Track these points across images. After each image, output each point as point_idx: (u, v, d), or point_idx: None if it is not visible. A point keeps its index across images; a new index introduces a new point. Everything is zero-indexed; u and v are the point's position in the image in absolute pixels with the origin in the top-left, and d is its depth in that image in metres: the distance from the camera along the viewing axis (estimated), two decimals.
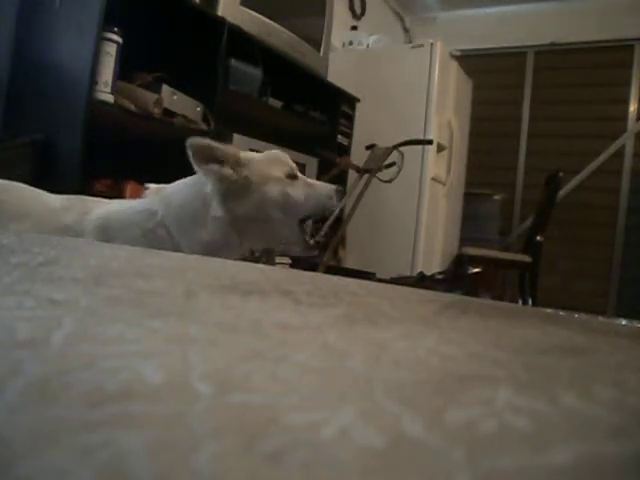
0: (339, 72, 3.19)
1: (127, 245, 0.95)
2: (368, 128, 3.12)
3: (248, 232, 1.09)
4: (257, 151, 2.28)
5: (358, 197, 2.23)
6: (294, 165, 1.14)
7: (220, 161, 1.03)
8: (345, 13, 3.77)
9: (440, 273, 3.13)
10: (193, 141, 1.00)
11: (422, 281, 2.80)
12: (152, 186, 1.10)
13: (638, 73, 3.93)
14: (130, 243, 0.97)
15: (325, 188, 1.16)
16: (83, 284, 0.39)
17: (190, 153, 1.01)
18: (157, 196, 1.07)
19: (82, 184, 1.61)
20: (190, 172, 1.06)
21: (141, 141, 2.07)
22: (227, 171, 1.03)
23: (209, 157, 1.02)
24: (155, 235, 1.02)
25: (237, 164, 1.05)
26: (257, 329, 0.30)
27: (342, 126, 3.00)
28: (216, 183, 1.03)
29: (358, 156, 2.67)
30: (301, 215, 1.13)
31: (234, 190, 1.05)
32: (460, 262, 3.08)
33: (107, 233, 1.00)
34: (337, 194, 1.16)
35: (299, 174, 1.15)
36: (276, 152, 1.15)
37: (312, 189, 1.14)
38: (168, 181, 1.12)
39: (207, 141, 1.03)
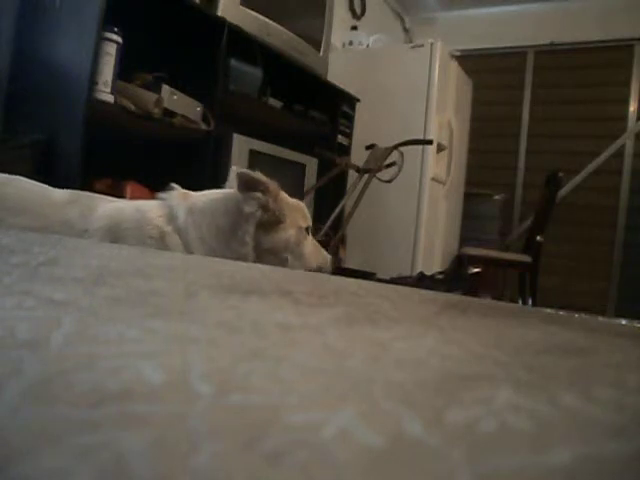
0: (339, 72, 3.19)
1: (137, 244, 0.95)
2: (368, 128, 3.12)
3: (263, 260, 1.13)
4: (258, 153, 2.29)
5: (358, 197, 2.23)
6: (311, 223, 1.22)
7: (262, 192, 1.07)
8: (345, 13, 3.76)
9: (440, 273, 3.13)
10: (242, 171, 1.05)
11: (422, 281, 2.81)
12: (178, 189, 1.10)
13: (638, 73, 3.93)
14: (141, 242, 0.97)
15: (325, 255, 1.26)
16: (83, 284, 0.39)
17: (237, 180, 1.05)
18: (182, 201, 1.06)
19: (82, 184, 1.61)
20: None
21: (141, 141, 2.07)
22: (270, 202, 1.07)
23: (253, 187, 1.06)
24: (170, 239, 1.02)
25: (275, 200, 1.09)
26: (257, 329, 0.30)
27: (342, 126, 3.00)
28: (257, 210, 1.06)
29: (358, 156, 2.67)
30: (300, 266, 1.18)
31: (266, 222, 1.09)
32: (460, 262, 3.08)
33: (117, 231, 0.99)
34: (331, 263, 1.27)
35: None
36: (303, 204, 1.21)
37: (317, 250, 1.23)
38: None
39: (254, 173, 1.07)
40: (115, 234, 0.98)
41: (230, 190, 1.12)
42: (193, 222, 1.04)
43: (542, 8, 4.14)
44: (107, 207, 1.03)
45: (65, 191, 1.04)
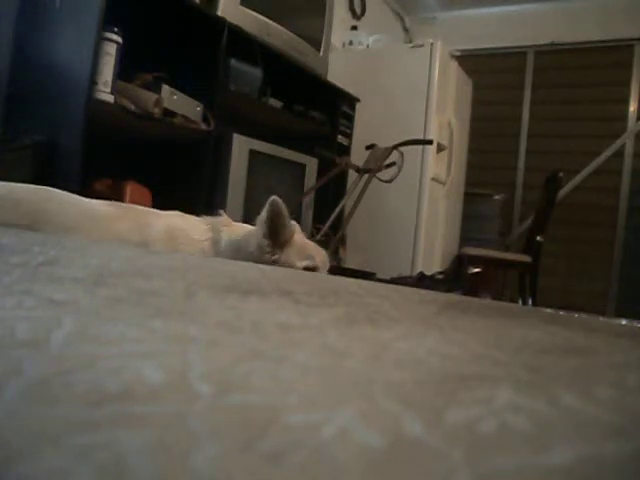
0: (339, 72, 3.19)
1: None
2: (368, 128, 3.12)
3: None
4: (258, 153, 2.29)
5: (358, 197, 2.23)
6: (316, 263, 1.16)
7: (278, 230, 1.05)
8: (345, 13, 3.76)
9: (440, 273, 3.13)
10: (277, 202, 1.03)
11: (422, 281, 2.81)
12: (225, 215, 1.12)
13: (638, 73, 3.93)
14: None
15: None
16: (83, 284, 0.39)
17: (269, 207, 1.03)
18: (227, 230, 1.09)
19: (82, 184, 1.61)
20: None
21: (141, 141, 2.07)
22: (268, 254, 1.05)
23: (277, 223, 1.04)
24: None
25: (285, 243, 1.07)
26: (257, 329, 0.30)
27: (342, 126, 3.00)
28: (257, 248, 1.05)
29: (358, 156, 2.67)
30: None
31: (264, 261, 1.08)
32: (460, 262, 3.08)
33: (173, 246, 1.01)
34: None
35: None
36: (318, 250, 1.15)
37: None
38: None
39: (284, 214, 1.05)
40: (172, 248, 1.00)
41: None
42: (230, 253, 1.05)
43: (542, 8, 4.14)
44: (161, 222, 1.04)
45: (104, 203, 1.02)
